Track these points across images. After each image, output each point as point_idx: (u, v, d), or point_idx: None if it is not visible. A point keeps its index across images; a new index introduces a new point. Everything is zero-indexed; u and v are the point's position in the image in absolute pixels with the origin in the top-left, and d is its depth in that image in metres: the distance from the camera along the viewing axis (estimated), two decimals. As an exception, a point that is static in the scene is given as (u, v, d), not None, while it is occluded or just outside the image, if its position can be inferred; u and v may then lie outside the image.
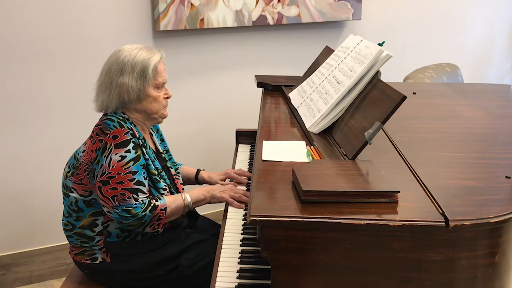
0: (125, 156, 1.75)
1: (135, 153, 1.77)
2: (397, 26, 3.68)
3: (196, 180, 2.22)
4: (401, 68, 3.38)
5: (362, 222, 1.22)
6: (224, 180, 2.18)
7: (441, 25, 3.88)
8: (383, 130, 1.89)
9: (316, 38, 3.35)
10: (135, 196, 1.76)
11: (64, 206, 1.91)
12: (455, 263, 1.26)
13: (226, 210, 1.89)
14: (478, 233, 1.25)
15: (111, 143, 1.75)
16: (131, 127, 1.81)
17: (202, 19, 2.89)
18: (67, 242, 1.94)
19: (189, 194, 1.92)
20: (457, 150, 1.77)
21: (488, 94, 2.63)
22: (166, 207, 1.82)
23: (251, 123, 2.67)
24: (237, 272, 1.50)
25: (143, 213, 1.76)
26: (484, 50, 4.18)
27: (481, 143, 1.87)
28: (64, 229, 1.92)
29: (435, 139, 1.88)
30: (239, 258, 1.58)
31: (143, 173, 1.79)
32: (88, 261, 1.88)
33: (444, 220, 1.23)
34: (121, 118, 1.82)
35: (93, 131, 1.83)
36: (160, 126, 2.09)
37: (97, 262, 1.87)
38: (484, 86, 2.92)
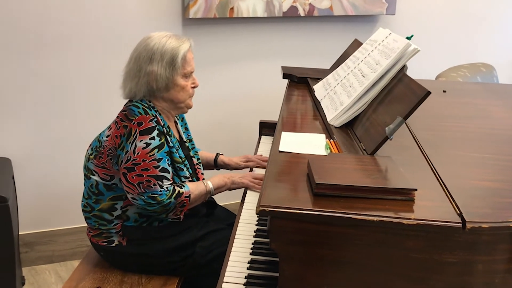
0: (150, 143, 1.75)
1: (159, 140, 1.77)
2: (432, 22, 3.58)
3: (215, 164, 2.22)
4: (434, 65, 3.29)
5: (375, 218, 1.18)
6: (245, 162, 2.19)
7: (478, 24, 3.75)
8: (407, 127, 1.83)
9: (347, 32, 3.28)
10: (160, 183, 1.76)
11: (85, 187, 1.92)
12: (471, 267, 1.20)
13: (243, 201, 1.88)
14: (497, 236, 1.20)
15: (136, 130, 1.75)
16: (155, 115, 1.81)
17: (232, 8, 2.87)
18: (89, 224, 1.96)
19: (210, 180, 1.93)
20: (483, 151, 1.71)
21: (523, 95, 2.53)
22: (190, 194, 1.82)
23: (276, 115, 2.64)
24: (248, 263, 1.48)
25: (168, 200, 1.77)
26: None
27: (509, 145, 1.80)
28: (82, 210, 1.94)
29: (461, 139, 1.82)
30: (251, 249, 1.56)
31: (167, 160, 1.80)
32: (104, 244, 1.90)
33: (461, 221, 1.18)
34: (146, 106, 1.82)
35: (117, 117, 1.84)
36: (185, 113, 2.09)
37: (113, 245, 1.89)
38: (519, 87, 2.81)
